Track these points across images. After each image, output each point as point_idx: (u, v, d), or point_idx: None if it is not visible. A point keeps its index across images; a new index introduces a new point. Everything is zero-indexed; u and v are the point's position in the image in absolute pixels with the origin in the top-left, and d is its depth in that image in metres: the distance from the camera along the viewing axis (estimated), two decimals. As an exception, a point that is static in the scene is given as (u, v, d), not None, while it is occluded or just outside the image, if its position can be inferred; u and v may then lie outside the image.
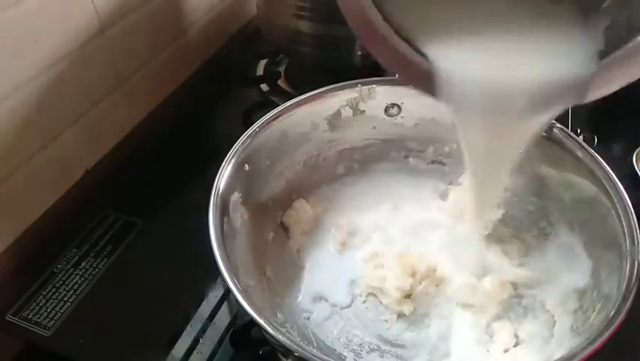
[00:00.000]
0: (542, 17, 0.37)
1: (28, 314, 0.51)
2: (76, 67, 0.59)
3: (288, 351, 0.35)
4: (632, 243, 0.40)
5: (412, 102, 0.54)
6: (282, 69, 0.81)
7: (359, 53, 0.72)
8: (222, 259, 0.39)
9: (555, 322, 0.45)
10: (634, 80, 0.33)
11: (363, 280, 0.51)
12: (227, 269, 0.38)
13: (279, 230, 0.53)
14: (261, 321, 0.36)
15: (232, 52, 0.86)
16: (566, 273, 0.47)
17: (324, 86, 0.53)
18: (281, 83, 0.78)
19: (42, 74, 0.55)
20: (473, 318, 0.48)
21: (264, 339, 0.46)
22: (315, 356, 0.35)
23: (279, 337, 0.35)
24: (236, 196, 0.46)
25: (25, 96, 0.54)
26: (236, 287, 0.37)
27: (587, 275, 0.45)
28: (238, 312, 0.51)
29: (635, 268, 0.39)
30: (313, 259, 0.51)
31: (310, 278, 0.51)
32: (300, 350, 0.35)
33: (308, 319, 0.49)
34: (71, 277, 0.54)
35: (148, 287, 0.53)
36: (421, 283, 0.49)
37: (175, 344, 0.49)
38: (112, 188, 0.64)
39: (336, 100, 0.53)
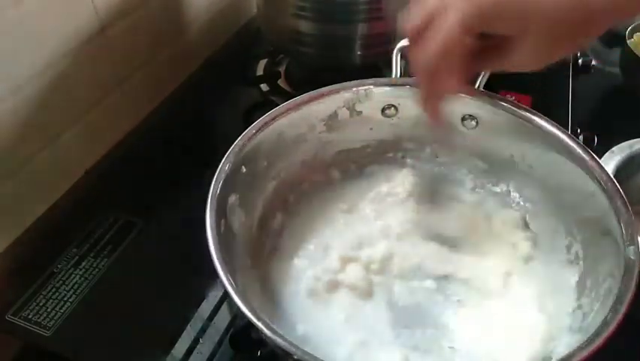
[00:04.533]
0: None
1: (28, 314, 0.51)
2: (76, 67, 0.59)
3: (286, 353, 0.35)
4: (630, 243, 0.40)
5: (409, 103, 0.54)
6: (282, 69, 0.81)
7: (359, 53, 0.72)
8: (220, 262, 0.39)
9: (554, 321, 0.45)
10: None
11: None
12: (225, 271, 0.38)
13: (276, 231, 0.53)
14: (259, 324, 0.36)
15: (232, 52, 0.86)
16: (565, 272, 0.47)
17: (324, 86, 0.53)
18: (281, 83, 0.78)
19: (42, 74, 0.56)
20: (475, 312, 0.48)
21: (264, 340, 0.46)
22: (313, 358, 0.35)
23: (277, 339, 0.35)
24: (233, 198, 0.46)
25: (25, 96, 0.54)
26: (235, 290, 0.37)
27: (586, 275, 0.45)
28: (238, 312, 0.51)
29: (633, 267, 0.39)
30: (312, 261, 0.51)
31: (309, 279, 0.51)
32: (298, 352, 0.35)
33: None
34: (71, 277, 0.54)
35: (148, 287, 0.53)
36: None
37: (175, 344, 0.49)
38: (112, 188, 0.64)
39: (333, 101, 0.53)
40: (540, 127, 0.49)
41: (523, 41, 0.38)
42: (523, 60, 0.40)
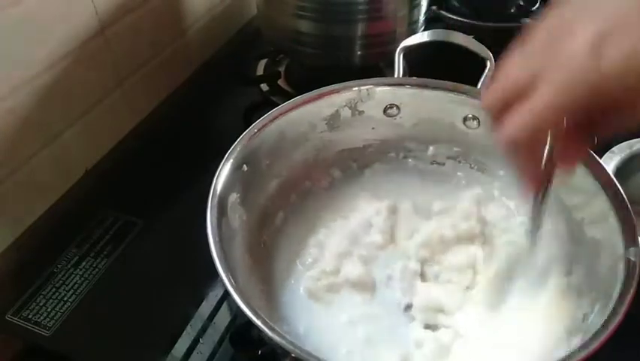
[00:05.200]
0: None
1: (28, 314, 0.51)
2: (76, 67, 0.59)
3: (285, 352, 0.35)
4: (631, 243, 0.40)
5: (411, 102, 0.54)
6: (282, 69, 0.81)
7: (359, 53, 0.72)
8: (220, 260, 0.39)
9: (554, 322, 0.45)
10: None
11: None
12: (225, 270, 0.38)
13: (277, 231, 0.53)
14: (258, 322, 0.36)
15: (232, 52, 0.86)
16: (565, 274, 0.47)
17: (324, 86, 0.53)
18: (281, 83, 0.78)
19: (42, 74, 0.56)
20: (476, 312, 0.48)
21: (264, 339, 0.46)
22: (312, 357, 0.35)
23: (276, 338, 0.35)
24: (234, 197, 0.46)
25: (25, 96, 0.54)
26: (234, 288, 0.37)
27: (586, 275, 0.45)
28: (238, 312, 0.51)
29: (633, 268, 0.39)
30: (313, 260, 0.51)
31: (309, 279, 0.51)
32: (297, 351, 0.35)
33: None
34: (71, 277, 0.54)
35: (148, 287, 0.53)
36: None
37: (175, 344, 0.49)
38: (112, 188, 0.64)
39: (335, 100, 0.53)
40: (540, 127, 0.49)
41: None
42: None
